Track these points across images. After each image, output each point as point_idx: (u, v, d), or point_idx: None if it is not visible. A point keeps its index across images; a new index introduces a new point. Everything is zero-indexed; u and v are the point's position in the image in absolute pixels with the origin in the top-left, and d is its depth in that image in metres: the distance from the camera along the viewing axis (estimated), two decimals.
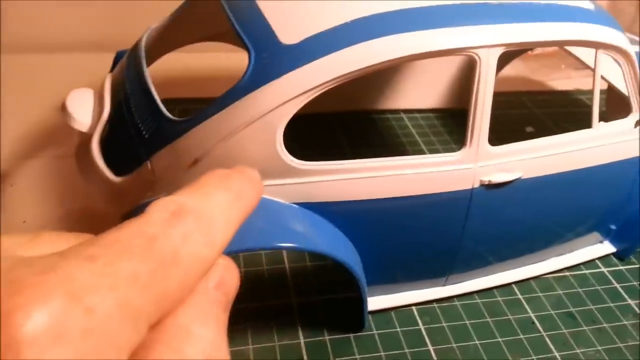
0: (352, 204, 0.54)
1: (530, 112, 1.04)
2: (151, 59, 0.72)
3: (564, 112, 1.09)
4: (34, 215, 0.73)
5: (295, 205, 0.53)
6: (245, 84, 0.50)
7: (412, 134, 0.95)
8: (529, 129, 0.99)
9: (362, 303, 0.58)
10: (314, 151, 0.87)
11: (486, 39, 0.51)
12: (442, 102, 1.03)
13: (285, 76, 0.49)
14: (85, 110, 0.60)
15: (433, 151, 0.91)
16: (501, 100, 1.06)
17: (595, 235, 0.74)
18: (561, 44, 0.56)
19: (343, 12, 0.51)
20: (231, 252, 0.47)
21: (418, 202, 0.56)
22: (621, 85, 0.67)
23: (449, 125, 0.98)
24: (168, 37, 0.72)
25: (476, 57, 0.52)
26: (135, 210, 0.53)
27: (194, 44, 0.79)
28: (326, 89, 0.50)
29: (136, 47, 0.64)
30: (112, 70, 0.74)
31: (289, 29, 0.51)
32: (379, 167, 0.54)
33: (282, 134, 0.50)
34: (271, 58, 0.50)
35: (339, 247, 0.54)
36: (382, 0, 0.52)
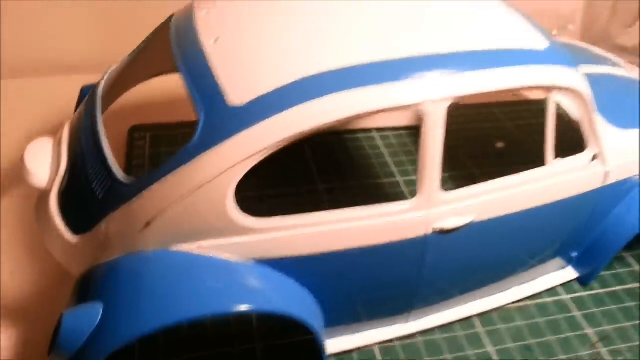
0: (308, 258, 0.55)
1: (502, 125, 1.05)
2: (113, 98, 0.73)
3: (536, 124, 1.09)
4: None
5: (250, 263, 0.54)
6: (194, 146, 0.50)
7: (383, 155, 0.95)
8: (500, 145, 0.99)
9: (320, 353, 0.59)
10: (284, 179, 0.88)
11: (432, 93, 0.52)
12: (414, 119, 1.03)
13: (233, 138, 0.49)
14: (43, 165, 0.60)
15: (403, 172, 0.92)
16: (472, 113, 1.07)
17: (558, 261, 0.75)
18: (511, 90, 0.56)
19: (292, 70, 0.51)
20: (184, 320, 0.49)
21: (373, 251, 0.57)
22: None
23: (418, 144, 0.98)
24: (128, 76, 0.71)
25: (424, 111, 0.52)
26: (91, 272, 0.54)
27: None
28: (276, 149, 0.50)
29: (93, 94, 0.64)
30: (76, 107, 0.74)
31: (238, 88, 0.51)
32: (332, 221, 0.54)
33: (233, 194, 0.51)
34: (219, 120, 0.50)
35: (296, 302, 0.55)
36: (329, 56, 0.52)
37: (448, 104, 0.53)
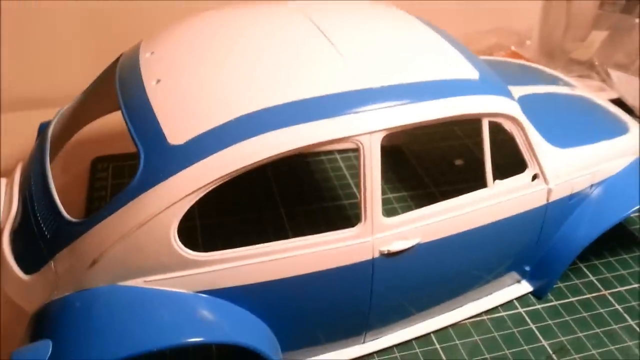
0: (256, 286, 0.56)
1: (461, 143, 1.07)
2: (67, 137, 0.74)
3: (495, 140, 1.12)
4: None
5: (200, 295, 0.55)
6: (136, 185, 0.52)
7: (344, 177, 0.97)
8: (458, 162, 1.02)
9: None
10: (246, 203, 0.90)
11: (366, 126, 0.54)
12: None
13: (173, 177, 0.51)
14: None
15: None
16: (432, 132, 1.09)
17: (513, 275, 0.77)
18: (445, 120, 0.58)
19: (229, 109, 0.53)
20: (133, 354, 0.50)
21: (322, 276, 0.58)
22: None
23: (383, 164, 1.00)
24: (81, 114, 0.73)
25: (359, 144, 0.54)
26: (42, 310, 0.55)
27: None
28: (215, 185, 0.52)
29: (44, 135, 0.65)
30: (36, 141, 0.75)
31: (177, 127, 0.53)
32: (279, 250, 0.56)
33: (176, 230, 0.52)
34: (159, 159, 0.52)
35: (247, 330, 0.57)
36: (265, 94, 0.54)
37: (382, 135, 0.55)
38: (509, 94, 0.64)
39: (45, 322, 0.54)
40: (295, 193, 0.93)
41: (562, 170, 0.69)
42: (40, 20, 1.07)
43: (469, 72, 0.62)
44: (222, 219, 0.85)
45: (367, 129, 0.54)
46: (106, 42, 1.08)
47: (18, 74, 1.10)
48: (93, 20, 1.09)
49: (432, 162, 1.01)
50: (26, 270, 0.56)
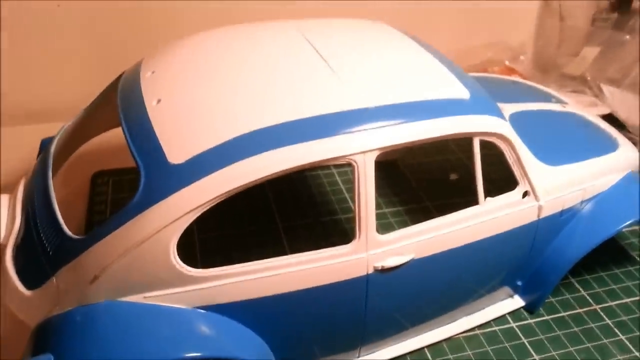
0: (253, 302, 0.58)
1: (456, 157, 1.09)
2: (69, 152, 0.75)
3: (489, 155, 1.14)
4: None
5: (199, 310, 0.57)
6: (136, 203, 0.53)
7: (341, 191, 0.99)
8: (453, 176, 1.03)
9: None
10: (245, 218, 0.91)
11: (360, 145, 0.55)
12: None
13: (172, 196, 0.52)
14: None
15: None
16: (427, 147, 1.11)
17: (505, 290, 0.78)
18: (437, 139, 0.59)
19: (227, 128, 0.55)
20: None
21: (317, 292, 0.60)
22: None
23: (376, 178, 1.02)
24: (83, 130, 0.75)
25: (353, 163, 0.56)
26: (43, 324, 0.56)
27: None
28: (214, 204, 0.53)
29: (47, 151, 0.67)
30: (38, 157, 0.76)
31: (177, 147, 0.54)
32: (275, 267, 0.57)
33: (175, 247, 0.54)
34: (160, 178, 0.53)
35: (244, 345, 0.58)
36: (263, 114, 0.56)
37: (376, 154, 0.56)
38: (499, 113, 0.65)
39: (46, 337, 0.55)
40: (293, 207, 0.94)
41: (553, 187, 0.71)
42: (41, 33, 1.08)
43: (460, 92, 0.63)
44: (220, 232, 0.86)
45: (360, 149, 0.55)
46: (107, 55, 1.10)
47: (18, 87, 1.11)
48: (94, 33, 1.10)
49: (428, 176, 1.03)
50: (28, 286, 0.58)
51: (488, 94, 0.68)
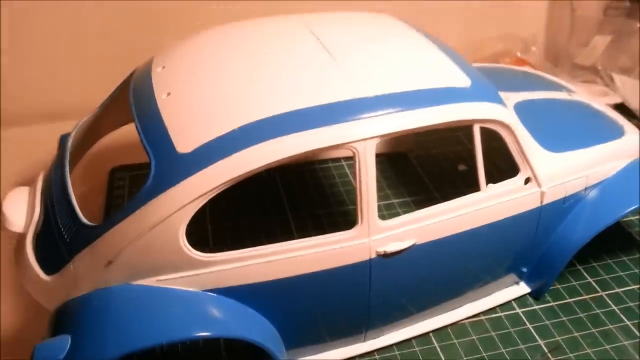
0: (259, 285, 0.60)
1: (465, 148, 1.10)
2: (87, 147, 0.79)
3: (496, 146, 1.14)
4: None
5: (207, 293, 0.59)
6: (147, 191, 0.56)
7: (349, 183, 1.01)
8: (462, 167, 1.04)
9: None
10: (256, 208, 0.94)
11: (361, 133, 0.57)
12: (380, 147, 1.08)
13: (181, 183, 0.55)
14: (19, 212, 0.66)
15: None
16: (436, 138, 1.12)
17: (511, 276, 0.79)
18: (437, 126, 0.61)
19: (233, 118, 0.57)
20: (144, 347, 0.54)
21: (322, 276, 0.62)
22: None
23: (386, 170, 1.04)
24: (99, 126, 0.78)
25: (354, 150, 0.58)
26: (62, 307, 0.59)
27: None
28: (220, 190, 0.56)
29: (64, 146, 0.70)
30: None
31: (185, 137, 0.57)
32: (281, 251, 0.59)
33: (184, 232, 0.56)
34: (169, 167, 0.56)
35: (252, 327, 0.60)
36: (268, 103, 0.58)
37: (376, 142, 0.58)
38: (499, 100, 0.66)
39: (64, 319, 0.59)
40: (302, 198, 0.96)
41: (555, 174, 0.72)
42: (55, 34, 1.11)
43: (461, 80, 0.65)
44: (233, 222, 0.89)
45: (361, 136, 0.57)
46: (121, 56, 1.13)
47: (34, 88, 1.15)
48: (108, 36, 1.14)
49: (437, 168, 1.04)
50: (47, 271, 0.61)
51: (490, 82, 0.69)
